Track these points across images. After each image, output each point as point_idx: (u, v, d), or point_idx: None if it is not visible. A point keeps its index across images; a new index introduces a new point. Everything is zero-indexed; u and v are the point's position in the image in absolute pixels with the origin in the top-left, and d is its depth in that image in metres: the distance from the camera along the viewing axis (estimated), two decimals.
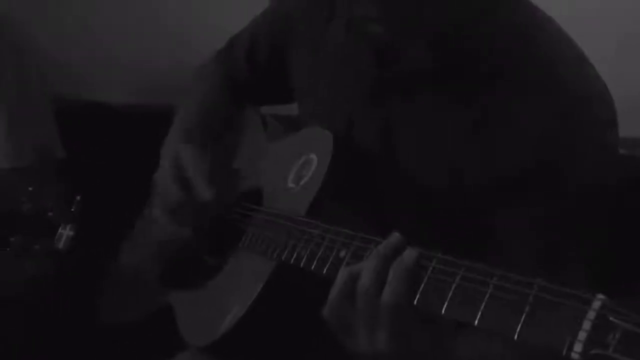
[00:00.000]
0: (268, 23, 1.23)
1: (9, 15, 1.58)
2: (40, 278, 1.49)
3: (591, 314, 0.63)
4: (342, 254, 0.87)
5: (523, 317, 0.68)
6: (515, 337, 0.68)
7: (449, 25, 0.94)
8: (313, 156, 1.03)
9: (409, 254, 0.79)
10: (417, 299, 0.77)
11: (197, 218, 1.13)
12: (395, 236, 0.82)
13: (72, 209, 1.11)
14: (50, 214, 1.10)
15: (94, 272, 1.33)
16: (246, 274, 1.03)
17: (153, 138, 1.31)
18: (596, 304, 0.63)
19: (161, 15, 1.94)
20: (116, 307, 1.28)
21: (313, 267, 0.90)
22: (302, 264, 0.91)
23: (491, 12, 0.96)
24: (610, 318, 0.62)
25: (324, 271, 0.88)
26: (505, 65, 0.93)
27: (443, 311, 0.74)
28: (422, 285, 0.77)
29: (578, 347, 0.63)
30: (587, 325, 0.63)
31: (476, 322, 0.72)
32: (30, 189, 1.13)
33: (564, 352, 0.64)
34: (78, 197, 1.12)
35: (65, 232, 1.10)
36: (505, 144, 0.91)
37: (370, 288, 0.79)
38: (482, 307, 0.72)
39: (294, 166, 1.06)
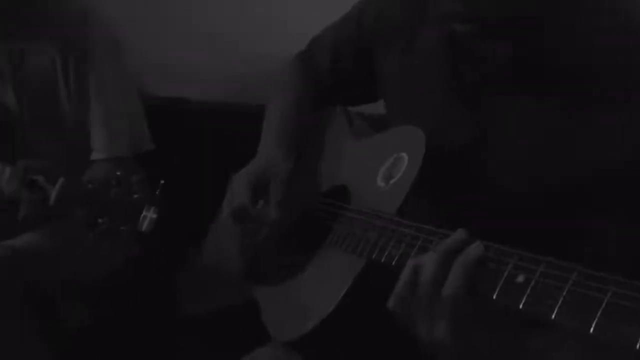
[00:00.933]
0: (354, 26, 1.23)
1: (109, 15, 1.63)
2: (124, 261, 1.56)
3: None
4: None
5: (599, 311, 0.69)
6: (591, 330, 0.70)
7: (531, 20, 0.94)
8: (404, 155, 1.04)
9: (474, 250, 0.81)
10: (496, 293, 0.78)
11: (257, 230, 1.15)
12: (460, 231, 0.84)
13: (156, 192, 1.15)
14: (135, 196, 1.14)
15: (174, 260, 1.36)
16: (333, 271, 1.03)
17: (232, 134, 1.35)
18: None
19: (241, 16, 1.97)
20: (196, 297, 1.30)
21: None
22: (394, 263, 0.92)
23: (572, 6, 0.95)
24: None
25: None
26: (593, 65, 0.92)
27: (521, 306, 0.76)
28: (501, 283, 0.78)
29: None
30: None
31: (553, 315, 0.73)
32: (118, 173, 1.18)
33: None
34: (162, 182, 1.15)
35: (149, 215, 1.13)
36: (592, 145, 0.91)
37: (431, 279, 0.81)
38: (560, 300, 0.73)
39: (383, 164, 1.06)
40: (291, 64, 1.36)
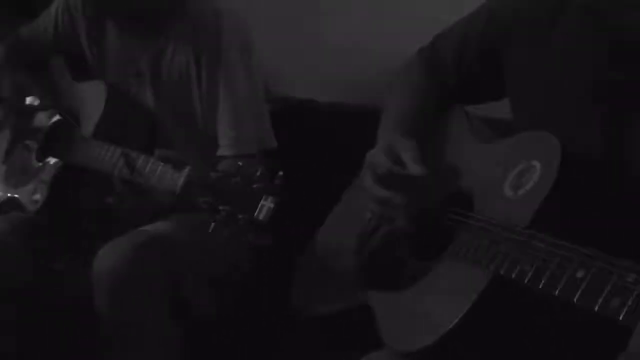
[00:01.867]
0: (482, 23, 1.20)
1: (240, 17, 1.66)
2: (246, 252, 1.61)
3: None
4: (580, 274, 0.83)
5: None
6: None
7: None
8: (535, 163, 0.99)
9: None
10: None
11: (405, 190, 1.12)
12: None
13: (274, 182, 1.17)
14: (255, 186, 1.17)
15: (289, 257, 1.37)
16: (456, 283, 1.00)
17: (352, 134, 1.35)
18: None
19: (366, 16, 1.98)
20: (310, 296, 1.30)
21: (541, 285, 0.86)
22: (526, 280, 0.88)
23: None
24: None
25: (556, 292, 0.84)
26: None
27: None
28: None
29: None
30: None
31: None
32: (239, 163, 1.21)
33: None
34: (280, 172, 1.18)
35: (267, 204, 1.15)
36: None
37: None
38: None
39: (511, 172, 1.02)
40: (414, 60, 1.34)
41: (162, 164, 1.38)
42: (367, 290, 1.17)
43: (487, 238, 0.97)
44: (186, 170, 1.27)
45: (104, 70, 1.77)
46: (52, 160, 1.78)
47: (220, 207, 1.17)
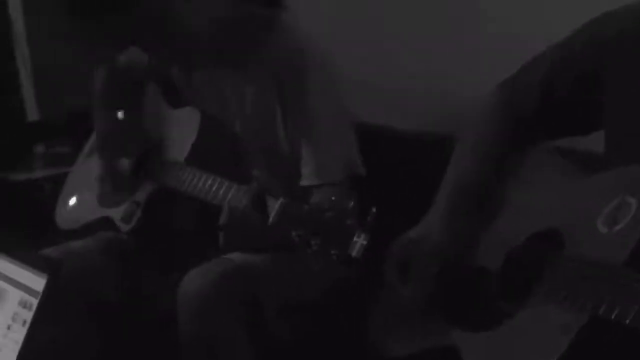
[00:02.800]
0: (579, 46, 1.16)
1: (323, 44, 1.69)
2: (332, 283, 1.61)
3: None
4: None
5: None
6: None
7: None
8: (631, 200, 0.97)
9: None
10: None
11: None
12: None
13: (367, 219, 1.18)
14: (348, 222, 1.18)
15: (370, 289, 1.37)
16: (549, 325, 0.98)
17: (438, 165, 1.35)
18: None
19: (450, 47, 1.98)
20: (388, 333, 1.30)
21: None
22: (628, 321, 0.86)
23: None
24: None
25: None
26: None
27: None
28: None
29: None
30: None
31: None
32: (333, 198, 1.22)
33: None
34: (373, 209, 1.18)
35: (360, 241, 1.16)
36: None
37: None
38: None
39: (605, 208, 1.00)
40: (496, 92, 1.30)
41: (256, 193, 1.40)
42: (453, 329, 1.16)
43: (580, 277, 0.95)
44: (280, 200, 1.29)
45: (194, 101, 1.81)
46: (146, 183, 1.83)
47: (312, 242, 1.18)
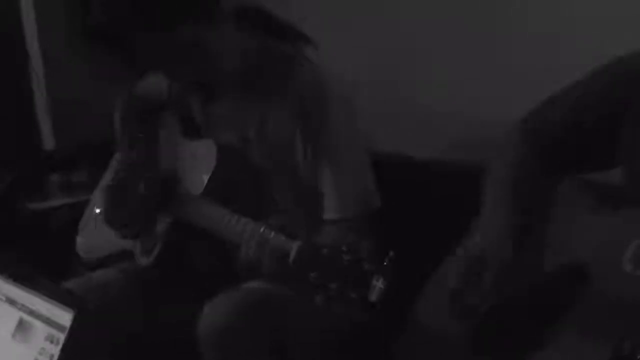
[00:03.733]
0: (601, 86, 1.19)
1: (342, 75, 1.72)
2: (348, 327, 1.65)
3: None
4: None
5: None
6: None
7: None
8: None
9: None
10: None
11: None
12: None
13: (385, 263, 1.22)
14: (366, 266, 1.22)
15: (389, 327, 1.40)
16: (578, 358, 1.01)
17: (461, 195, 1.38)
18: None
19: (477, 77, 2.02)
20: None
21: None
22: None
23: None
24: None
25: None
26: None
27: None
28: None
29: None
30: None
31: None
32: (349, 241, 1.26)
33: None
34: (391, 253, 1.22)
35: (378, 285, 1.20)
36: None
37: None
38: None
39: (629, 246, 1.03)
40: (520, 128, 1.33)
41: (273, 233, 1.43)
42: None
43: (606, 313, 0.99)
44: (297, 242, 1.33)
45: (213, 131, 1.84)
46: (164, 215, 1.86)
47: (331, 285, 1.21)
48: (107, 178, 2.09)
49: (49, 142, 2.84)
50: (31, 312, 1.40)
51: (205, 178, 1.76)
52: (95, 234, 2.03)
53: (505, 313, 1.20)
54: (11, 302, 1.42)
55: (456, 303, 1.20)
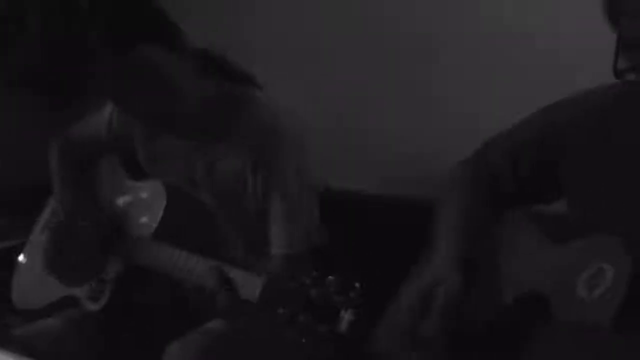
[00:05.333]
0: (536, 130, 1.26)
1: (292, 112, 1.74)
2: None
3: None
4: None
5: None
6: None
7: None
8: (607, 267, 1.05)
9: None
10: None
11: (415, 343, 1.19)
12: None
13: (351, 295, 1.22)
14: (335, 298, 1.22)
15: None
16: None
17: (411, 229, 1.40)
18: None
19: (416, 112, 2.08)
20: None
21: None
22: None
23: None
24: None
25: None
26: None
27: None
28: None
29: None
30: None
31: None
32: (314, 273, 1.26)
33: None
34: (357, 284, 1.23)
35: (347, 316, 1.20)
36: None
37: None
38: None
39: (583, 274, 1.08)
40: (463, 168, 1.40)
41: (234, 270, 1.42)
42: None
43: (568, 340, 1.03)
44: (261, 277, 1.32)
45: (158, 171, 1.83)
46: (112, 259, 1.82)
47: (300, 317, 1.21)
48: (41, 224, 2.03)
49: None
50: None
51: (156, 219, 1.73)
52: (35, 282, 1.97)
53: (464, 345, 1.22)
54: None
55: (408, 335, 1.21)
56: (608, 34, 1.11)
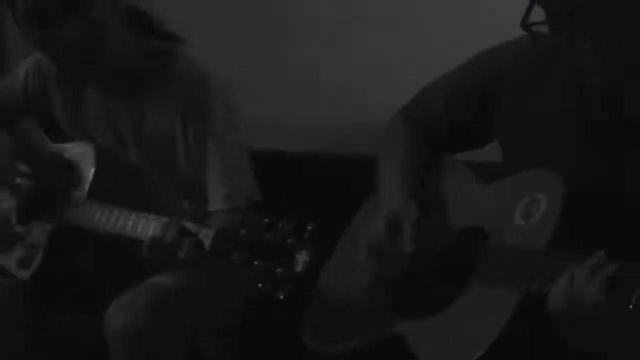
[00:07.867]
0: (470, 76, 1.33)
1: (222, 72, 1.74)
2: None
3: None
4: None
5: None
6: None
7: None
8: (540, 196, 1.13)
9: (611, 267, 0.95)
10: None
11: (393, 265, 1.25)
12: (600, 253, 0.99)
13: (305, 237, 1.25)
14: (289, 241, 1.24)
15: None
16: (487, 305, 1.13)
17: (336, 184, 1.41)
18: None
19: (347, 64, 2.09)
20: (323, 334, 1.37)
21: None
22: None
23: None
24: None
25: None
26: None
27: None
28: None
29: None
30: None
31: None
32: (266, 220, 1.28)
33: None
34: (309, 227, 1.25)
35: (302, 257, 1.23)
36: None
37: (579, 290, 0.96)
38: None
39: (518, 204, 1.16)
40: (400, 116, 1.46)
41: (189, 223, 1.42)
42: (393, 320, 1.26)
43: (511, 262, 1.11)
44: (214, 229, 1.32)
45: (82, 133, 1.79)
46: (38, 223, 1.78)
47: (256, 262, 1.23)
48: None
49: None
50: None
51: (88, 180, 1.71)
52: None
53: (419, 271, 1.28)
54: None
55: (375, 262, 1.25)
56: None
